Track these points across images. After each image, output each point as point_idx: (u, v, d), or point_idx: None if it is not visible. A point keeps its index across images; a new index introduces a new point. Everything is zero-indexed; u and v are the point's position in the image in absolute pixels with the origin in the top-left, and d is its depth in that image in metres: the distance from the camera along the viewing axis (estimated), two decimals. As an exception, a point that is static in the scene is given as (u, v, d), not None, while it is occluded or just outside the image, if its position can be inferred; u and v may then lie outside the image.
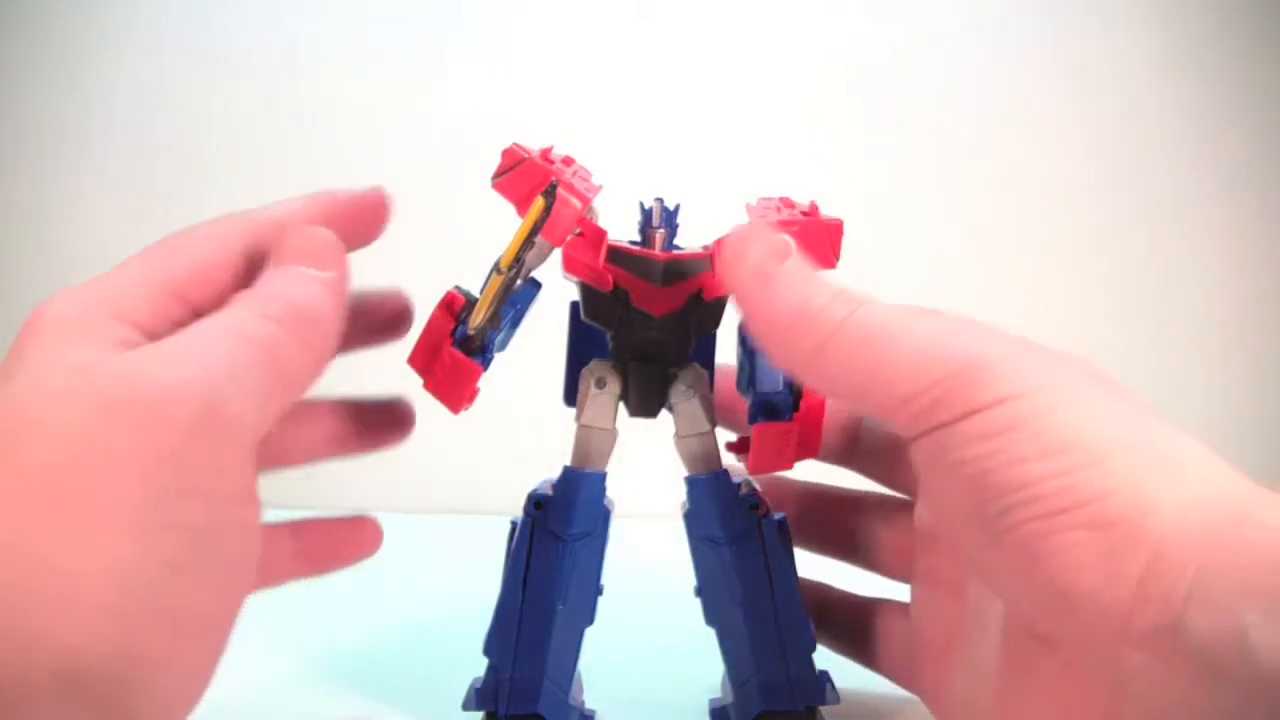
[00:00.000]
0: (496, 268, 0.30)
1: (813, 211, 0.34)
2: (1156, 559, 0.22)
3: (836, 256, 0.33)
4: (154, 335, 0.26)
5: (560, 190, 0.30)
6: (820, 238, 0.33)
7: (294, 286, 0.27)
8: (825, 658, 0.34)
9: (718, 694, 0.36)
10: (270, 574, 0.32)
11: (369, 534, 0.34)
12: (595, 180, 0.33)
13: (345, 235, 0.30)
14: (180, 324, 0.27)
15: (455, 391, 0.32)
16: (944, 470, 0.25)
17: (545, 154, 0.32)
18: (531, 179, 0.31)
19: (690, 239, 0.33)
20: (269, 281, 0.28)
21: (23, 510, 0.21)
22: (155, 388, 0.23)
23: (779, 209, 0.34)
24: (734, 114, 0.64)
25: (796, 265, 0.28)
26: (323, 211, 0.30)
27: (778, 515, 0.34)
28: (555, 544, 0.32)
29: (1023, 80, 0.65)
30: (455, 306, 0.32)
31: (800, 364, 0.27)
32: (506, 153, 0.32)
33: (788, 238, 0.29)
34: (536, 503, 0.33)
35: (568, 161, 0.32)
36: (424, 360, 0.32)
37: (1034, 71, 0.65)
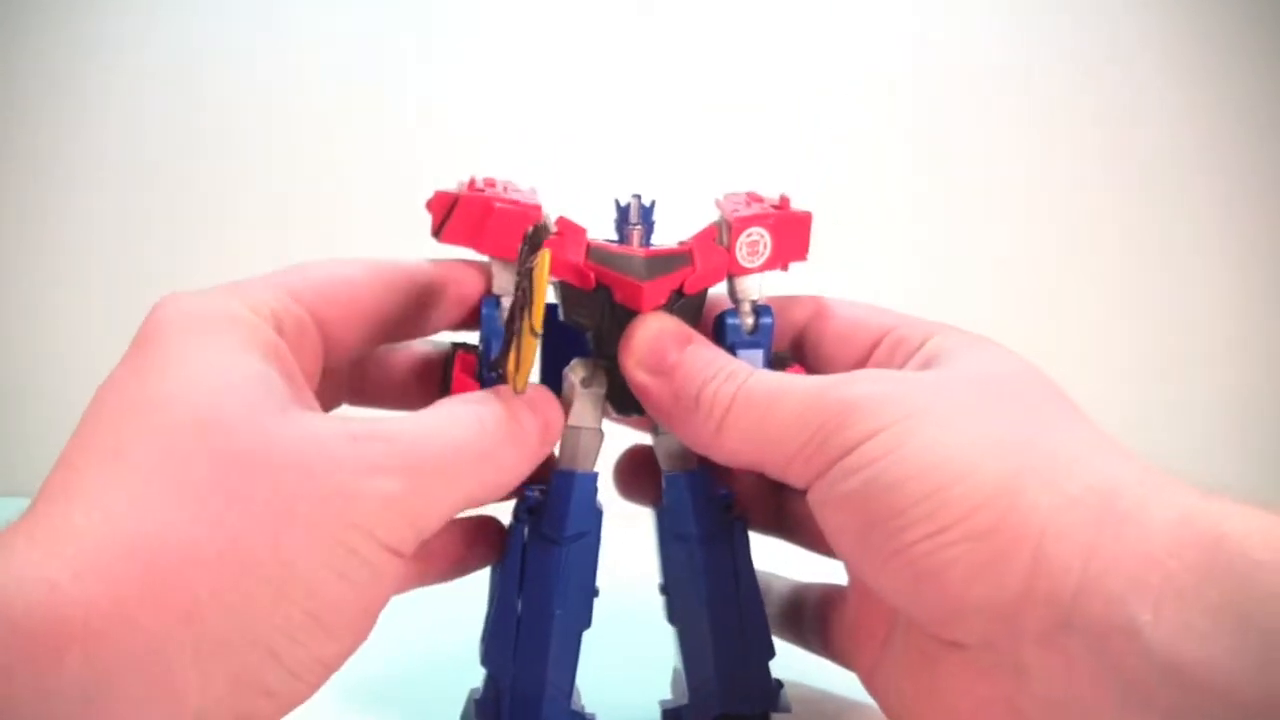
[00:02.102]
0: (532, 330, 0.28)
1: (784, 205, 0.34)
2: (1039, 560, 0.24)
3: (808, 249, 0.34)
4: (280, 330, 0.28)
5: (500, 210, 0.31)
6: (794, 230, 0.33)
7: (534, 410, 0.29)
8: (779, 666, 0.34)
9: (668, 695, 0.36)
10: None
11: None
12: (525, 184, 0.33)
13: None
14: (302, 325, 0.29)
15: None
16: (831, 510, 0.27)
17: (472, 185, 0.32)
18: (472, 214, 0.31)
19: (669, 236, 0.33)
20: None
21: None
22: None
23: (748, 203, 0.34)
24: (716, 111, 0.65)
25: (694, 353, 0.30)
26: (441, 272, 0.32)
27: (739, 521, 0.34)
28: (550, 548, 0.32)
29: (1029, 81, 0.66)
30: (472, 366, 0.32)
31: (705, 446, 0.30)
32: (434, 201, 0.31)
33: (687, 329, 0.31)
34: (528, 508, 0.32)
35: (490, 183, 0.32)
36: None
37: (1040, 71, 0.66)
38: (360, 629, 0.26)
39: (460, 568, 0.32)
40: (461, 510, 0.28)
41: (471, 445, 0.27)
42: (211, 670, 0.23)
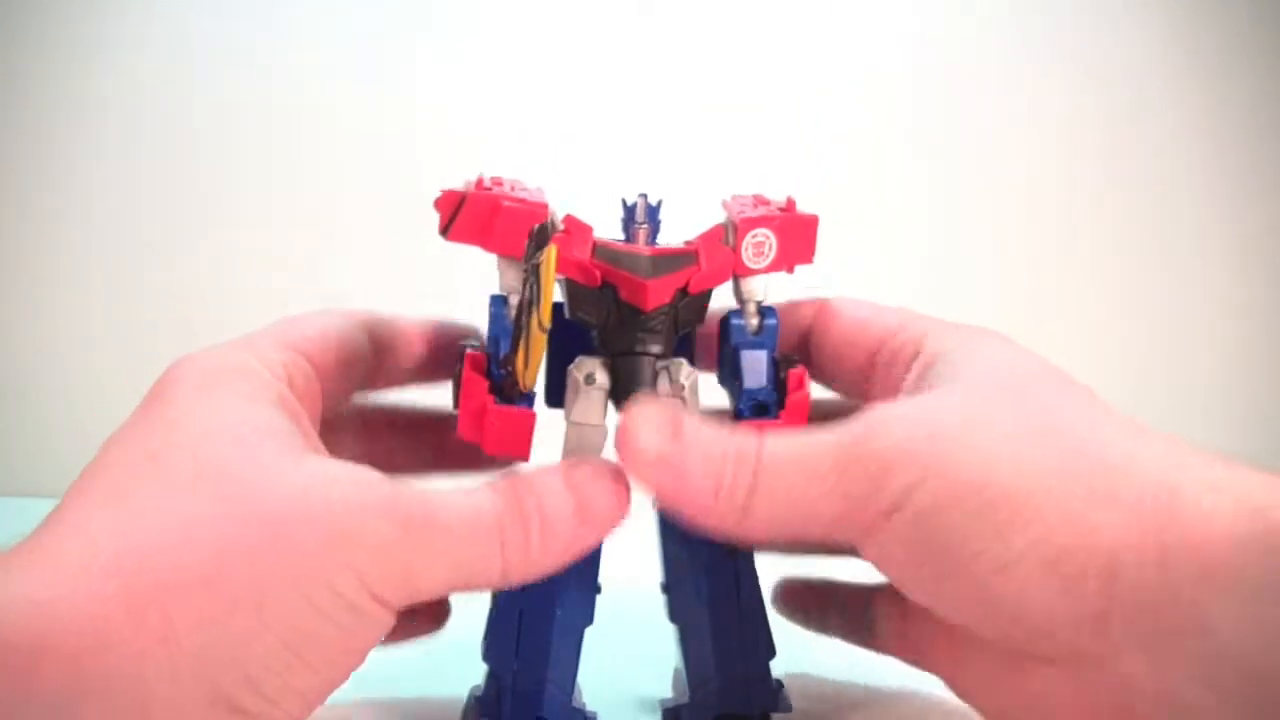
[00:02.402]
0: (540, 325, 0.28)
1: (790, 207, 0.34)
2: (1114, 574, 0.24)
3: (813, 251, 0.34)
4: (290, 382, 0.29)
5: (508, 209, 0.31)
6: (800, 233, 0.34)
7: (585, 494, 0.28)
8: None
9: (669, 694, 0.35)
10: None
11: None
12: (532, 183, 0.33)
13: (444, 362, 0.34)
14: (308, 377, 0.30)
15: (519, 443, 0.31)
16: (892, 563, 0.27)
17: (480, 184, 0.32)
18: (480, 213, 0.31)
19: (675, 236, 0.33)
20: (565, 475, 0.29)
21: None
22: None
23: (754, 205, 0.34)
24: (717, 111, 0.65)
25: (693, 435, 0.28)
26: (433, 331, 0.34)
27: None
28: None
29: (1031, 80, 0.66)
30: (481, 364, 0.31)
31: (733, 530, 0.28)
32: (442, 199, 0.31)
33: (673, 402, 0.31)
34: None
35: (498, 181, 0.33)
36: (474, 428, 0.31)
37: (1041, 71, 0.66)
38: (342, 667, 0.26)
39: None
40: (458, 586, 0.27)
41: (479, 516, 0.27)
42: (188, 692, 0.23)
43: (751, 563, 0.33)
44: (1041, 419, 0.26)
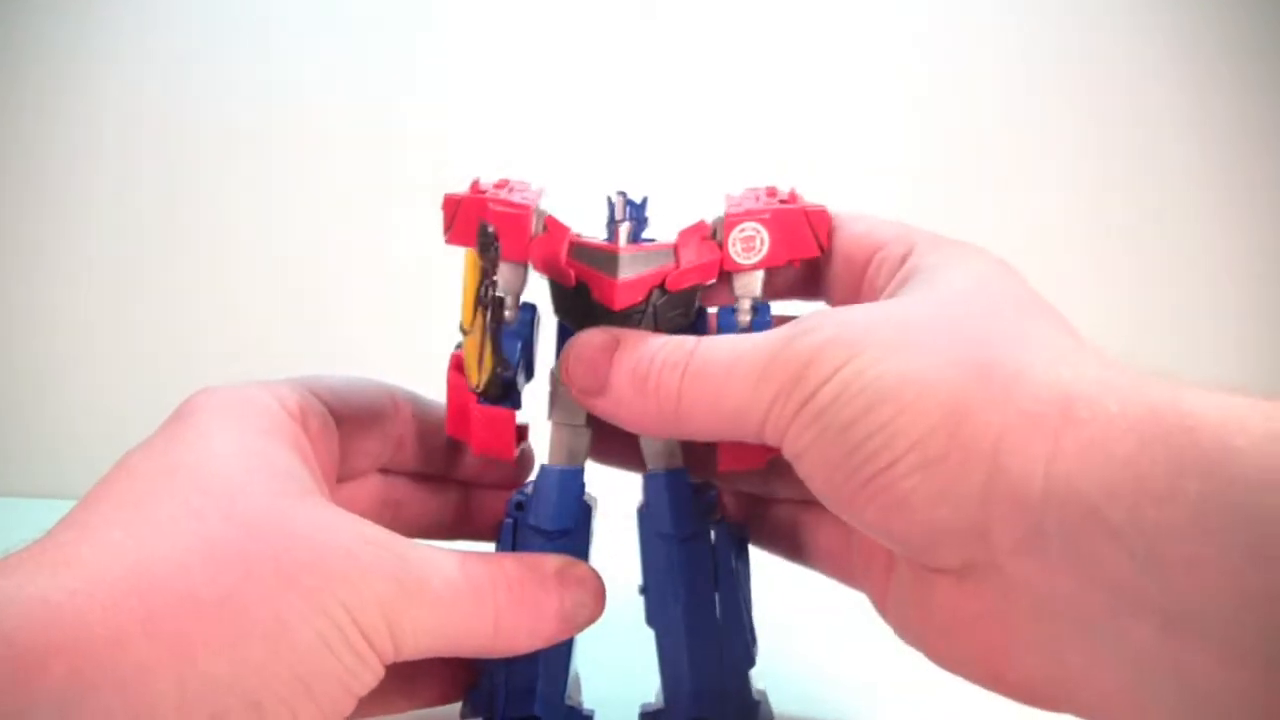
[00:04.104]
0: (461, 328, 0.30)
1: (792, 199, 0.33)
2: (995, 476, 0.23)
3: (823, 243, 0.33)
4: (305, 426, 0.30)
5: (493, 212, 0.31)
6: (796, 226, 0.32)
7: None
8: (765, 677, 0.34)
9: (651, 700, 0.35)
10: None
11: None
12: (535, 187, 0.33)
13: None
14: (325, 422, 0.31)
15: (500, 442, 0.32)
16: (803, 461, 0.27)
17: (474, 186, 0.32)
18: (472, 216, 0.31)
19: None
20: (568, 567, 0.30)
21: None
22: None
23: (758, 198, 0.34)
24: (719, 113, 0.64)
25: (622, 354, 0.30)
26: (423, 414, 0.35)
27: (738, 529, 0.34)
28: (538, 542, 0.32)
29: (1033, 82, 0.65)
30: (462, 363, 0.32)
31: (675, 433, 0.30)
32: (445, 204, 0.32)
33: (612, 334, 0.31)
34: (517, 504, 0.33)
35: (500, 184, 0.33)
36: (459, 425, 0.32)
37: (1044, 72, 0.65)
38: (342, 705, 0.26)
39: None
40: (442, 649, 0.28)
41: (481, 589, 0.28)
42: (193, 708, 0.23)
43: (730, 569, 0.33)
44: (975, 333, 0.26)
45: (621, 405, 0.30)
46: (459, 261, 0.32)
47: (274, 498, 0.27)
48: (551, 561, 0.30)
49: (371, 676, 0.26)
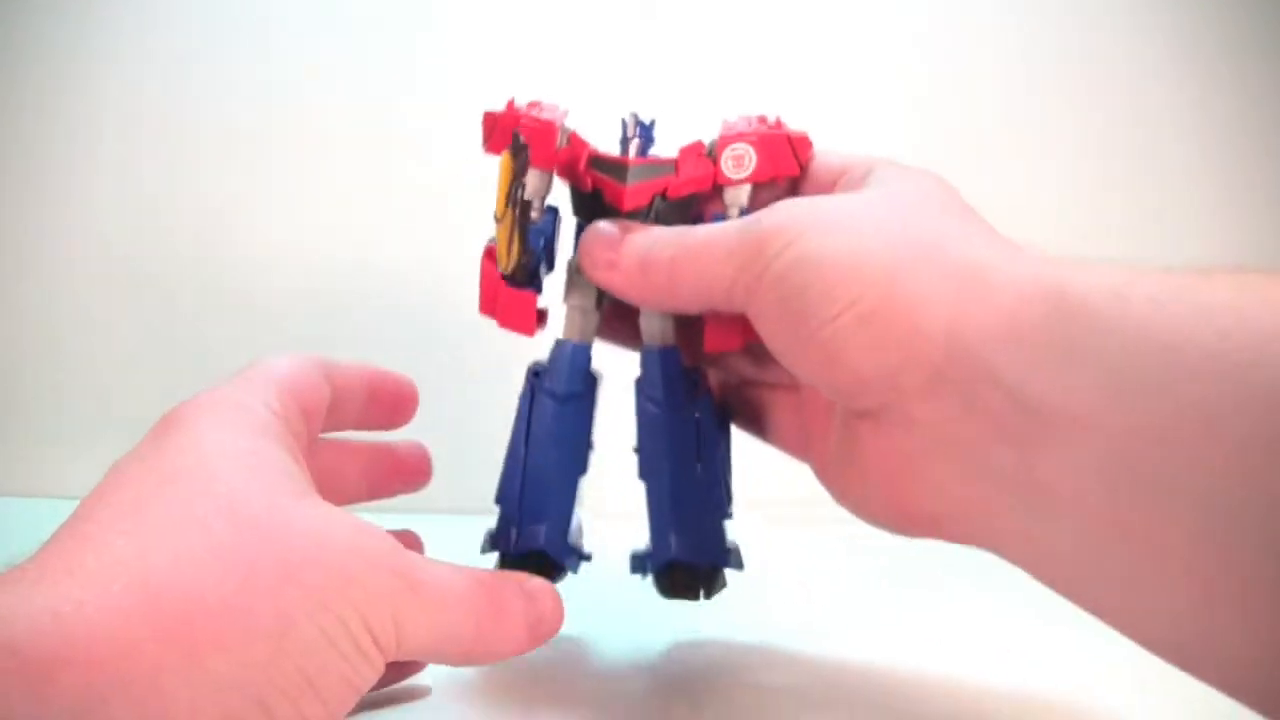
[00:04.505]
0: (494, 217, 0.35)
1: (777, 125, 0.39)
2: (914, 331, 0.28)
3: (801, 165, 0.39)
4: (288, 424, 0.31)
5: (525, 125, 0.37)
6: (780, 148, 0.38)
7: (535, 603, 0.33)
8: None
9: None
10: (341, 494, 0.37)
11: (422, 461, 0.40)
12: (562, 108, 0.39)
13: (381, 410, 0.38)
14: (303, 417, 0.33)
15: (523, 320, 0.38)
16: (763, 322, 0.32)
17: (510, 105, 0.39)
18: (506, 128, 0.37)
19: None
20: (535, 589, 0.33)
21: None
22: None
23: (749, 123, 0.40)
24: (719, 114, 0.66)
25: (631, 238, 0.35)
26: (373, 380, 0.38)
27: (720, 407, 0.40)
28: (550, 404, 0.38)
29: (1031, 74, 0.67)
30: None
31: (669, 305, 0.36)
32: (483, 120, 0.38)
33: (625, 225, 0.36)
34: (534, 372, 0.39)
35: (533, 105, 0.39)
36: (489, 304, 0.38)
37: (1042, 64, 0.67)
38: (345, 701, 0.27)
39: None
40: (432, 648, 0.29)
41: (467, 593, 0.30)
42: (203, 711, 0.24)
43: (713, 435, 0.38)
44: (909, 219, 0.31)
45: (628, 279, 0.35)
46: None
47: (274, 497, 0.27)
48: (517, 575, 0.33)
49: (373, 672, 0.27)
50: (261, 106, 0.65)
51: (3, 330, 0.65)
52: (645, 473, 0.39)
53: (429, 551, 0.36)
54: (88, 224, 0.65)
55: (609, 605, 0.43)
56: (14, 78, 0.64)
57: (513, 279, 0.37)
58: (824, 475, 0.36)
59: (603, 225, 0.37)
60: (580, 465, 0.39)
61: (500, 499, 0.39)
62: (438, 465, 0.41)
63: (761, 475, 0.42)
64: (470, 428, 0.49)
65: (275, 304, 0.65)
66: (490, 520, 0.39)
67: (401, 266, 0.66)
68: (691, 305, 0.35)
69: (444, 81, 0.65)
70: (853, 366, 0.30)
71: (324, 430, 0.36)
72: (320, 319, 0.65)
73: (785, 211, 0.33)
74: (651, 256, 0.35)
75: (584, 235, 0.37)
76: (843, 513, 0.35)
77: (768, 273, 0.31)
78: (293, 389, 0.33)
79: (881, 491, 0.32)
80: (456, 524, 0.40)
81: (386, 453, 0.40)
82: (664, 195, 0.38)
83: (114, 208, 0.65)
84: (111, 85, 0.64)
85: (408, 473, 0.40)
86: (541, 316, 0.39)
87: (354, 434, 0.39)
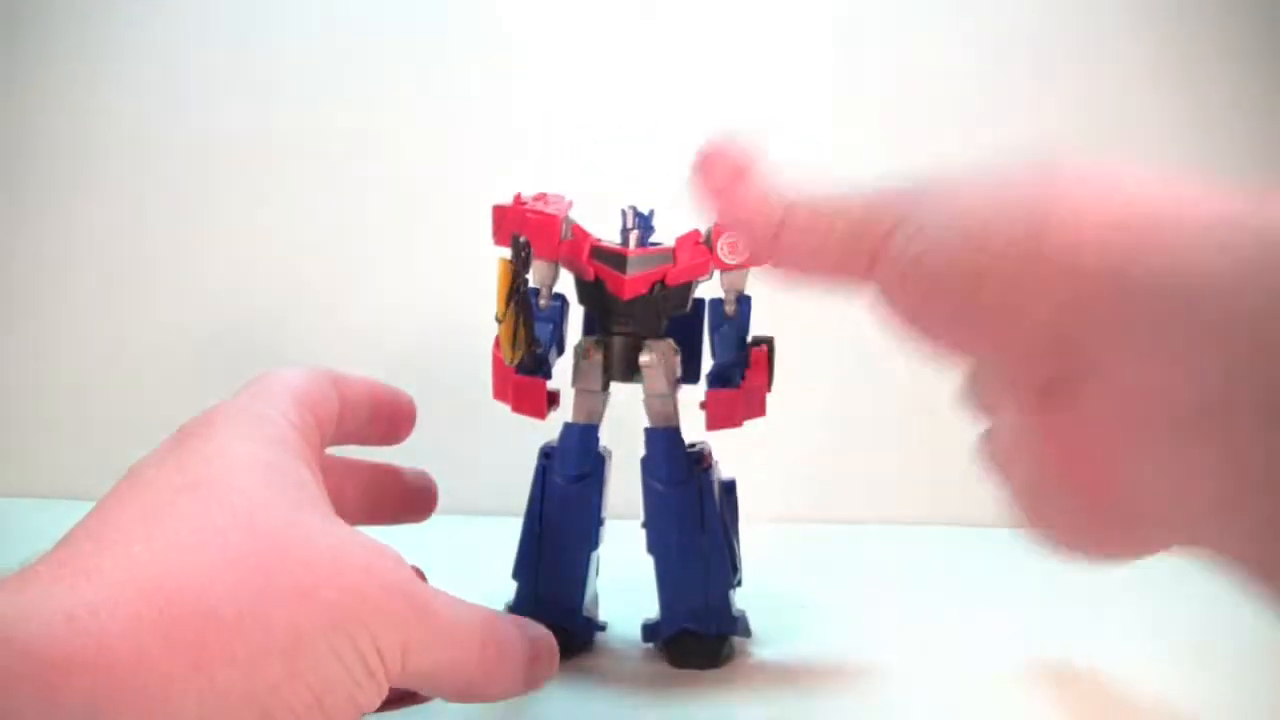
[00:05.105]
0: (495, 318, 0.37)
1: None
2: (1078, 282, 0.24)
3: None
4: (307, 440, 0.31)
5: (530, 219, 0.39)
6: None
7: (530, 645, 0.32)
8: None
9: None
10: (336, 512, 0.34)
11: (429, 492, 0.39)
12: (566, 200, 0.41)
13: (381, 425, 0.36)
14: (321, 430, 0.32)
15: (534, 406, 0.40)
16: (896, 285, 0.27)
17: (517, 199, 0.40)
18: (511, 223, 0.39)
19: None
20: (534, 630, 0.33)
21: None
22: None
23: None
24: (720, 119, 0.64)
25: (749, 180, 0.30)
26: (375, 394, 0.36)
27: (727, 480, 0.42)
28: (561, 485, 0.40)
29: (1031, 74, 0.66)
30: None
31: (768, 252, 0.29)
32: (492, 214, 0.40)
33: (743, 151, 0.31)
34: (545, 453, 0.41)
35: (539, 197, 0.41)
36: (502, 392, 0.40)
37: (1042, 64, 0.66)
38: None
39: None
40: (436, 677, 0.29)
41: (474, 628, 0.30)
42: None
43: (715, 509, 0.40)
44: (1024, 175, 0.27)
45: (738, 216, 0.30)
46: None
47: (291, 512, 0.27)
48: (519, 619, 0.33)
49: (377, 695, 0.27)
50: (262, 110, 0.64)
51: (2, 330, 0.65)
52: (654, 547, 0.41)
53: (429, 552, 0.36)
54: (89, 224, 0.65)
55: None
56: (14, 78, 0.64)
57: (520, 368, 0.39)
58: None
59: (725, 149, 0.31)
60: (592, 540, 0.41)
61: (517, 574, 0.41)
62: (438, 466, 0.40)
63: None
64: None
65: (277, 305, 0.66)
66: (491, 520, 0.41)
67: (404, 267, 0.65)
68: (794, 264, 0.30)
69: (445, 82, 0.65)
70: (1014, 327, 0.24)
71: (334, 441, 0.35)
72: (325, 320, 0.65)
73: (910, 192, 0.28)
74: (764, 208, 0.29)
75: (704, 150, 0.32)
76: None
77: (895, 236, 0.27)
78: (308, 401, 0.32)
79: (1070, 482, 0.25)
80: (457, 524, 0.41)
81: (391, 477, 0.38)
82: (663, 283, 0.40)
83: (115, 208, 0.65)
84: (111, 87, 0.64)
85: (413, 501, 0.39)
86: (553, 399, 0.41)
87: (353, 451, 0.37)
